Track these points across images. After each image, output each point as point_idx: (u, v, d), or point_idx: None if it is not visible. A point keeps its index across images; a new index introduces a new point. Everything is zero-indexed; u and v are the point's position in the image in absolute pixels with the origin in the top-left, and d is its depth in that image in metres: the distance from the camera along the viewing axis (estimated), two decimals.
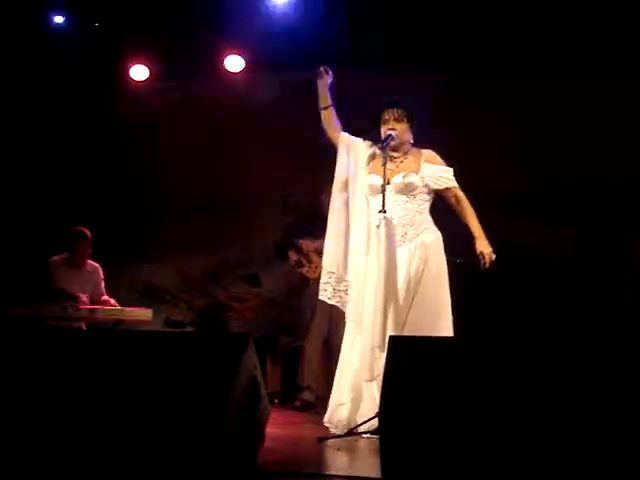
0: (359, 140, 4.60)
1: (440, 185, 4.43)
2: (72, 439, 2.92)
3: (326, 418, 4.31)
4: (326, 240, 4.55)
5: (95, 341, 3.36)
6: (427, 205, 4.45)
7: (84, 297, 6.06)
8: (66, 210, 7.39)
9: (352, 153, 4.56)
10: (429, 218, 4.44)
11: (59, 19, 7.21)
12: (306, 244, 5.93)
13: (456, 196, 4.47)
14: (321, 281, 4.51)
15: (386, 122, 4.48)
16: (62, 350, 3.25)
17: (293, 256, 5.97)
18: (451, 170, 4.46)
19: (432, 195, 4.47)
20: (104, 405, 2.95)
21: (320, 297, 4.51)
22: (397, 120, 4.48)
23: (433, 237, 4.40)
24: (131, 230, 7.75)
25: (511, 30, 6.62)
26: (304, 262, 5.93)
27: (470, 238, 4.40)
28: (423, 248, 4.33)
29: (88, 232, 6.35)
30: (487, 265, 4.33)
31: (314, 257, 5.90)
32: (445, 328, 4.27)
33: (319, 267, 5.81)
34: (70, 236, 6.34)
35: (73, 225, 6.42)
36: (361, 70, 7.06)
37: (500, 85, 7.01)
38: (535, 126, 6.88)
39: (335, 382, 4.38)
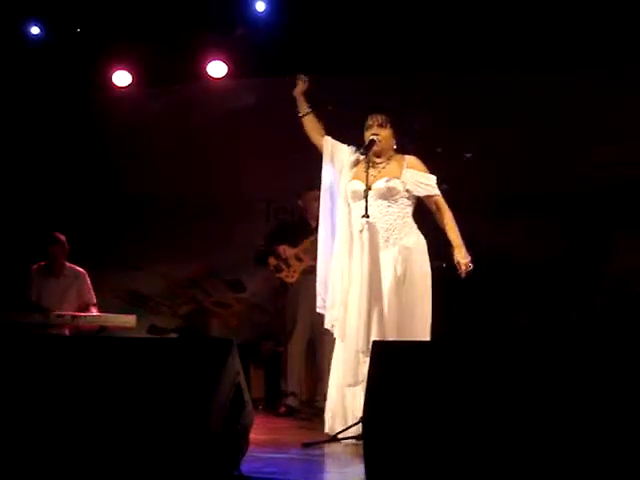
0: (343, 145, 4.60)
1: (421, 192, 4.44)
2: (54, 446, 2.90)
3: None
4: (318, 247, 4.57)
5: (77, 348, 3.34)
6: (409, 210, 4.46)
7: (56, 312, 5.93)
8: (49, 216, 7.36)
9: (336, 158, 4.57)
10: (412, 222, 4.45)
11: (35, 30, 7.17)
12: (284, 250, 5.93)
13: (437, 203, 4.48)
14: (316, 292, 4.50)
15: (370, 127, 4.49)
16: (44, 357, 3.23)
17: (272, 261, 5.97)
18: (434, 178, 4.47)
19: (414, 200, 4.48)
20: (87, 411, 2.93)
21: (317, 310, 4.52)
22: (381, 126, 4.49)
23: (416, 240, 4.41)
24: (115, 236, 7.73)
25: (494, 27, 6.66)
26: (283, 267, 5.92)
27: (448, 246, 4.41)
28: (406, 252, 4.34)
29: (62, 237, 6.29)
30: (463, 275, 4.35)
31: (293, 262, 5.90)
32: (424, 331, 4.28)
33: (297, 272, 5.85)
34: (44, 242, 6.28)
35: (56, 231, 6.37)
36: (343, 76, 7.11)
37: (483, 84, 7.05)
38: (518, 125, 6.92)
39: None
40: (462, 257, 4.35)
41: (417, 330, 4.25)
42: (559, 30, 6.53)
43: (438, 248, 4.51)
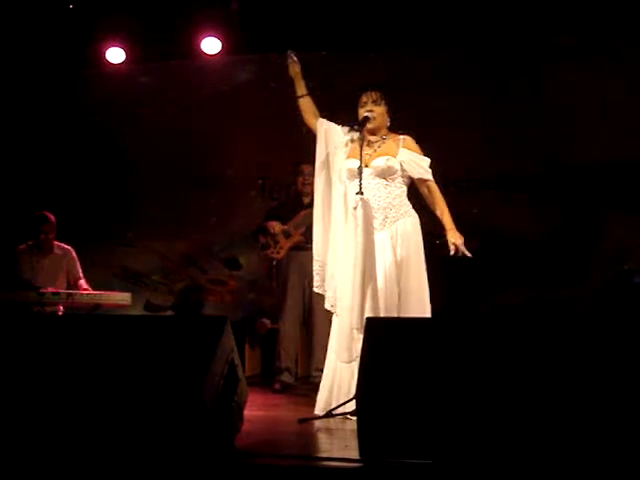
0: (337, 126, 4.59)
1: (415, 174, 4.43)
2: (49, 424, 2.92)
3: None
4: (314, 225, 4.57)
5: (72, 326, 3.35)
6: (405, 189, 4.46)
7: (49, 289, 5.95)
8: (43, 193, 7.35)
9: (330, 139, 4.56)
10: (407, 202, 4.44)
11: None
12: (273, 225, 5.92)
13: (429, 187, 4.47)
14: (313, 270, 4.51)
15: (364, 104, 4.47)
16: (39, 335, 3.24)
17: (262, 239, 5.97)
18: (428, 160, 4.47)
19: (408, 181, 4.48)
20: (83, 389, 2.95)
21: (314, 289, 4.52)
22: (375, 102, 4.47)
23: (413, 220, 4.40)
24: (111, 214, 7.74)
25: (489, 9, 6.64)
26: (270, 243, 5.92)
27: (441, 229, 4.42)
28: (404, 232, 4.35)
29: (51, 215, 6.28)
30: (459, 254, 4.34)
31: (281, 238, 5.90)
32: (428, 310, 4.30)
33: (284, 248, 5.87)
34: (32, 221, 6.27)
35: (49, 210, 6.36)
36: (339, 54, 7.08)
37: (482, 67, 7.04)
38: (513, 105, 6.91)
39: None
40: (457, 238, 4.34)
41: (418, 309, 4.26)
42: (543, 7, 6.52)
43: (431, 225, 4.52)
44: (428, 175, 4.45)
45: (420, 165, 4.43)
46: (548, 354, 2.76)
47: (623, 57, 6.71)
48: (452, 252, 4.34)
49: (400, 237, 4.33)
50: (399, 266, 4.29)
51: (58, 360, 3.07)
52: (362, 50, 7.05)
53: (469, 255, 4.30)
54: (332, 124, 4.59)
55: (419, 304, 4.28)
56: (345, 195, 4.42)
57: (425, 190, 4.48)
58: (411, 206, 4.45)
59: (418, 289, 4.31)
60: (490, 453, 2.62)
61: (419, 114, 6.35)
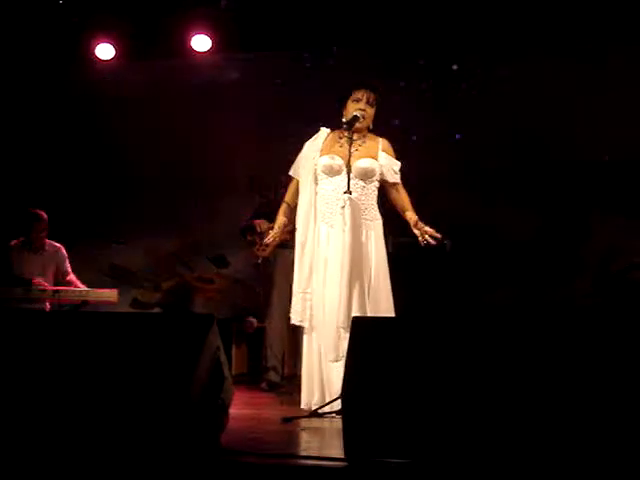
0: (307, 159, 4.55)
1: (390, 178, 4.48)
2: (34, 421, 2.92)
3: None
4: (297, 221, 4.58)
5: (59, 322, 3.35)
6: (377, 191, 4.50)
7: (41, 281, 5.96)
8: (32, 191, 7.33)
9: (309, 160, 4.54)
10: (376, 204, 4.49)
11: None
12: (260, 224, 5.93)
13: (398, 189, 4.54)
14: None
15: (359, 101, 4.47)
16: (25, 332, 3.23)
17: (249, 237, 5.98)
18: (399, 164, 4.52)
19: (379, 183, 4.51)
20: (68, 385, 2.94)
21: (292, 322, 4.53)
22: (369, 103, 4.48)
23: (380, 222, 4.47)
24: (99, 211, 7.72)
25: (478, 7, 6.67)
26: (257, 241, 5.93)
27: (408, 225, 4.45)
28: (375, 232, 4.41)
29: (44, 214, 6.27)
30: (432, 242, 4.34)
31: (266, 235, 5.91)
32: (391, 308, 4.35)
33: (270, 245, 5.87)
34: (25, 218, 6.26)
35: (39, 207, 6.35)
36: (327, 51, 7.09)
37: (465, 64, 7.06)
38: (499, 106, 6.94)
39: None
40: (427, 227, 4.34)
41: (386, 308, 4.31)
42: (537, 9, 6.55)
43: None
44: (398, 179, 4.50)
45: (395, 170, 4.50)
46: (535, 354, 2.77)
47: (613, 58, 6.75)
48: (424, 242, 4.33)
49: (373, 237, 4.39)
50: (370, 264, 4.35)
51: (44, 357, 3.06)
52: (352, 47, 7.05)
53: (439, 236, 4.30)
54: (300, 165, 4.57)
55: (387, 301, 4.34)
56: (316, 194, 4.43)
57: (393, 191, 4.53)
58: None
59: (385, 286, 4.38)
60: (474, 452, 2.63)
61: (404, 110, 6.38)
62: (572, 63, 6.83)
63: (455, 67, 7.06)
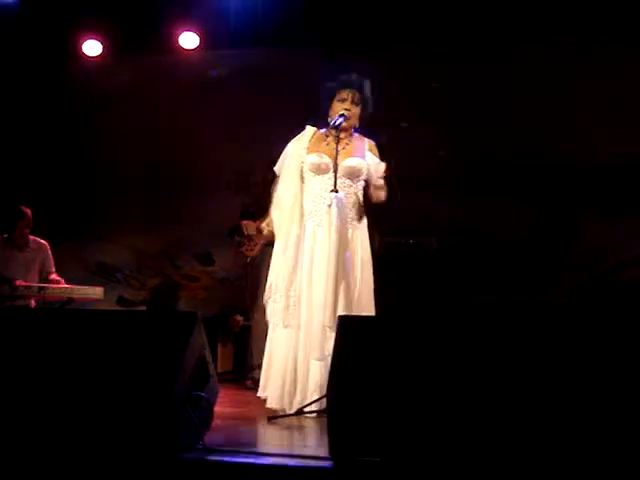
0: (290, 153, 4.53)
1: (374, 180, 4.46)
2: (20, 418, 2.91)
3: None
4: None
5: (44, 320, 3.33)
6: (362, 190, 4.49)
7: (21, 282, 5.90)
8: (18, 189, 7.28)
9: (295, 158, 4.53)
10: (362, 204, 4.48)
11: None
12: (247, 225, 5.95)
13: (377, 188, 4.51)
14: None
15: (344, 101, 4.46)
16: (9, 329, 3.22)
17: (237, 237, 6.00)
18: (384, 166, 4.48)
19: (364, 183, 4.49)
20: (52, 382, 2.94)
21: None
22: (354, 103, 4.47)
23: (365, 222, 4.47)
24: (85, 208, 7.69)
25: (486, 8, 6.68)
26: (245, 241, 5.95)
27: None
28: (361, 232, 4.41)
29: (28, 210, 6.23)
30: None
31: (255, 237, 5.92)
32: (372, 307, 4.34)
33: (258, 245, 5.88)
34: (9, 216, 6.22)
35: (24, 204, 6.31)
36: (313, 50, 7.08)
37: (461, 65, 7.06)
38: (489, 106, 6.96)
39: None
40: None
41: (367, 307, 4.31)
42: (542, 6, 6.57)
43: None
44: (382, 180, 4.48)
45: (379, 172, 4.47)
46: (520, 352, 2.78)
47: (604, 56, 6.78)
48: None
49: (359, 236, 4.39)
50: (356, 263, 4.34)
51: (29, 354, 3.05)
52: (341, 46, 7.04)
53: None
54: (285, 165, 4.54)
55: (370, 301, 4.34)
56: (302, 193, 4.42)
57: (371, 189, 4.50)
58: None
59: (369, 285, 4.37)
60: (460, 450, 2.63)
61: (394, 110, 6.38)
62: (560, 64, 6.86)
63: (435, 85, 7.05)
